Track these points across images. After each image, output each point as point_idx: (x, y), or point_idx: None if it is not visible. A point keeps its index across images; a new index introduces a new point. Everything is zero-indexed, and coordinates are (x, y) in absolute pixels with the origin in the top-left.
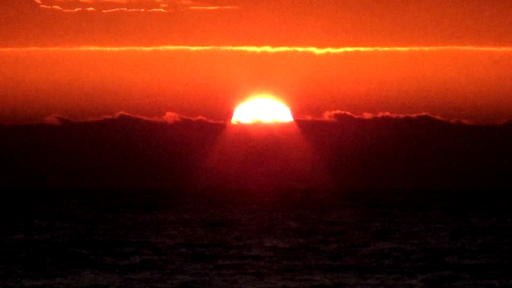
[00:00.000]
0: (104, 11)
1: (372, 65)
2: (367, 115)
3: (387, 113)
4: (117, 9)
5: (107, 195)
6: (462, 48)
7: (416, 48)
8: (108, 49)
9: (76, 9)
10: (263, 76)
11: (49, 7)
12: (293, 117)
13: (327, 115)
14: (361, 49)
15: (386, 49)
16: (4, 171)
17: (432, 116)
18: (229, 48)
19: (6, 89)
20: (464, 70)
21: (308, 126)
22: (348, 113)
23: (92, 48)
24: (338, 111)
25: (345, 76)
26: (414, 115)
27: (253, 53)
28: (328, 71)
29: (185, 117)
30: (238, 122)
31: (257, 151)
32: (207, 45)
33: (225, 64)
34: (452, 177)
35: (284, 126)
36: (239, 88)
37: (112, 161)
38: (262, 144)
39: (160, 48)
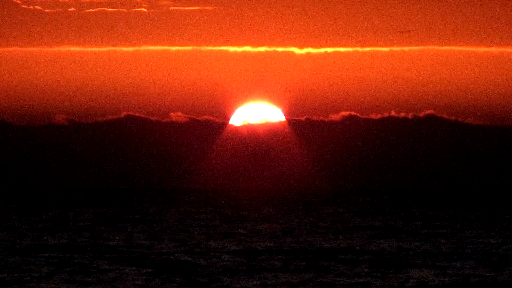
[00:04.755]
0: (86, 11)
1: (352, 66)
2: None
3: (392, 113)
4: (98, 8)
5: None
6: (442, 48)
7: (396, 49)
8: (89, 49)
9: (56, 9)
10: (254, 77)
11: (30, 7)
12: (285, 117)
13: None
14: (341, 49)
15: (366, 49)
16: (12, 171)
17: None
18: (210, 48)
19: None
20: (445, 70)
21: (300, 127)
22: (353, 113)
23: (72, 49)
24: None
25: (328, 76)
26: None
27: (235, 53)
28: (311, 71)
29: (184, 116)
30: (248, 123)
31: (251, 152)
32: (188, 45)
33: (210, 64)
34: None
35: (275, 127)
36: (232, 89)
37: (121, 161)
38: (257, 146)
39: (141, 48)
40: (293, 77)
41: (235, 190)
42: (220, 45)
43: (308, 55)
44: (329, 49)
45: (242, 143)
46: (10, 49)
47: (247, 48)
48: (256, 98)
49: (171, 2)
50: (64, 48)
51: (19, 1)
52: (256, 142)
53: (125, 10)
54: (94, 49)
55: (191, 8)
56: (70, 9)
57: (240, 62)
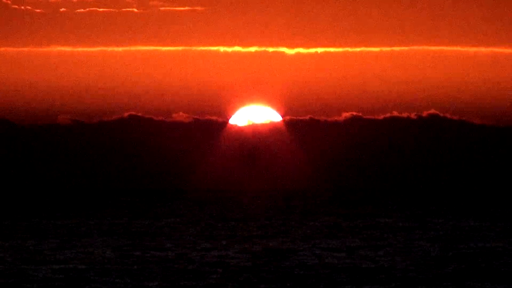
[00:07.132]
0: (76, 11)
1: (343, 66)
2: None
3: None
4: (89, 9)
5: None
6: (433, 48)
7: (386, 49)
8: (80, 49)
9: (47, 9)
10: (249, 77)
11: (20, 7)
12: (288, 117)
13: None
14: (332, 49)
15: (357, 49)
16: (17, 171)
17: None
18: (200, 48)
19: None
20: (439, 70)
21: (303, 127)
22: (356, 113)
23: (63, 49)
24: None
25: (320, 76)
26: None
27: (225, 53)
28: (303, 71)
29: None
30: (252, 123)
31: (254, 152)
32: (178, 45)
33: (201, 64)
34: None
35: (278, 126)
36: (230, 90)
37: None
38: (260, 146)
39: (132, 48)
40: (286, 77)
41: (238, 190)
42: (210, 45)
43: (299, 55)
44: (320, 49)
45: (245, 143)
46: (0, 49)
47: (237, 48)
48: (255, 98)
49: (161, 3)
50: (54, 48)
51: (9, 1)
52: (259, 142)
53: (115, 10)
54: (85, 49)
55: (181, 8)
56: (61, 9)
57: (231, 62)
